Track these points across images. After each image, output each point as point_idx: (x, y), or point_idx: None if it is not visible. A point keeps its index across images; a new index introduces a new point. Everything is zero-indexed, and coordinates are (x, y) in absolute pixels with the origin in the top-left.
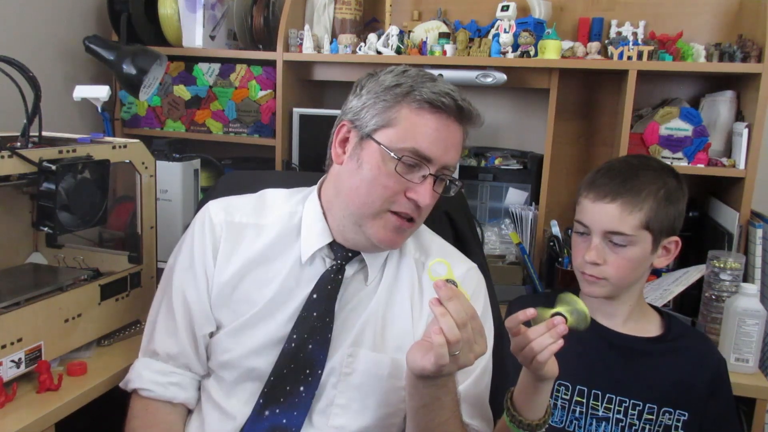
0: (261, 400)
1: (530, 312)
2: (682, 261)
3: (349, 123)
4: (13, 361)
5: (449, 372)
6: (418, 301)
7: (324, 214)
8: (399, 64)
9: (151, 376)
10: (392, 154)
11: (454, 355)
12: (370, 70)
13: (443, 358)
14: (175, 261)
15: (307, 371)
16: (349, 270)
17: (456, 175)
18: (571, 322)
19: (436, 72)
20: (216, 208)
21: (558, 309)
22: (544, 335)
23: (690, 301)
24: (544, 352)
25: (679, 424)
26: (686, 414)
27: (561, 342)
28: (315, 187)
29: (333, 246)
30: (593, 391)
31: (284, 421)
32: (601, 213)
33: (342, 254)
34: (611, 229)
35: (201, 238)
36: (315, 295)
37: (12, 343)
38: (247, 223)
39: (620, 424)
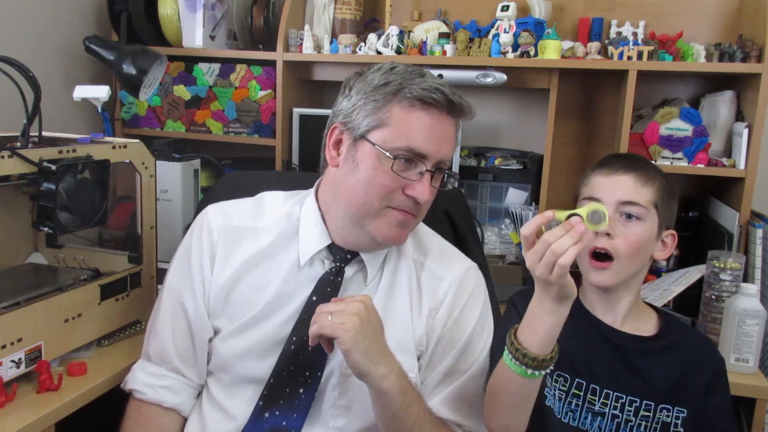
0: (260, 402)
1: (548, 214)
2: (682, 261)
3: (341, 125)
4: (13, 361)
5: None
6: (416, 300)
7: (322, 216)
8: None
9: (144, 377)
10: (387, 154)
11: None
12: (358, 69)
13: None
14: (172, 265)
15: (307, 373)
16: (349, 271)
17: (456, 168)
18: (587, 221)
19: (436, 72)
20: (214, 212)
21: (574, 210)
22: (564, 237)
23: (690, 301)
24: (566, 254)
25: (679, 422)
26: (685, 411)
27: (581, 244)
28: (312, 190)
29: (332, 248)
30: (591, 385)
31: (284, 423)
32: (616, 184)
33: (341, 256)
34: (626, 199)
35: (198, 243)
36: (314, 298)
37: (12, 343)
38: (245, 226)
39: (616, 419)
